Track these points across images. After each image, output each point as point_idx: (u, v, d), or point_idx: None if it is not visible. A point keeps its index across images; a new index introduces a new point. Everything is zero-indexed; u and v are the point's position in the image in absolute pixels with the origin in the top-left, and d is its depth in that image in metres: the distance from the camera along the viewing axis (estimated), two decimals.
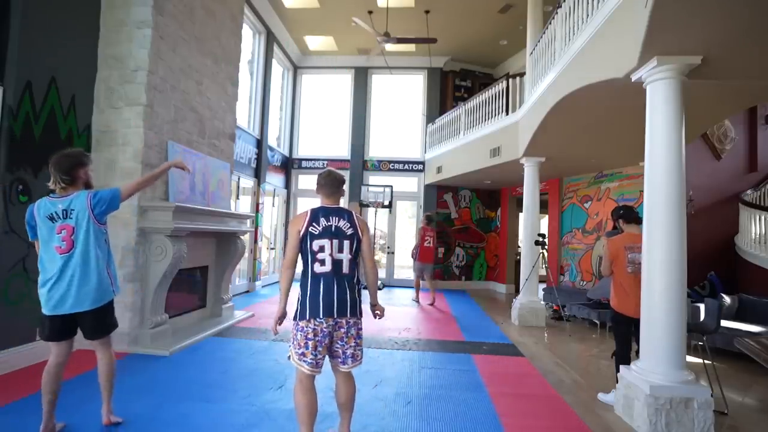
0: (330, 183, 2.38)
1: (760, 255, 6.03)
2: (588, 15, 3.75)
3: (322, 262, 2.21)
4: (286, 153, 10.32)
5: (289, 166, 10.38)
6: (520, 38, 7.88)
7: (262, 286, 8.77)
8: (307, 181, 10.50)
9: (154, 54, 4.20)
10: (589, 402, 3.30)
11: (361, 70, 10.39)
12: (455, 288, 9.97)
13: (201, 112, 5.16)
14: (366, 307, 2.37)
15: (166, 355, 3.94)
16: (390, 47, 8.20)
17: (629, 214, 3.47)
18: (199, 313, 5.36)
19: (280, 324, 2.32)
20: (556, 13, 4.72)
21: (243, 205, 7.85)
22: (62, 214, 2.30)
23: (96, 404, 2.58)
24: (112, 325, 2.51)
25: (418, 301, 7.79)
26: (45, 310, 2.31)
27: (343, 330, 2.21)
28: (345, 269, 2.23)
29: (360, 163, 10.27)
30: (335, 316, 2.16)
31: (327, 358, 2.28)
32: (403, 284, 9.98)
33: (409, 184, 10.41)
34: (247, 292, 8.10)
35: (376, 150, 10.47)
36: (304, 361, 2.18)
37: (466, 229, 10.36)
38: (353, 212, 2.37)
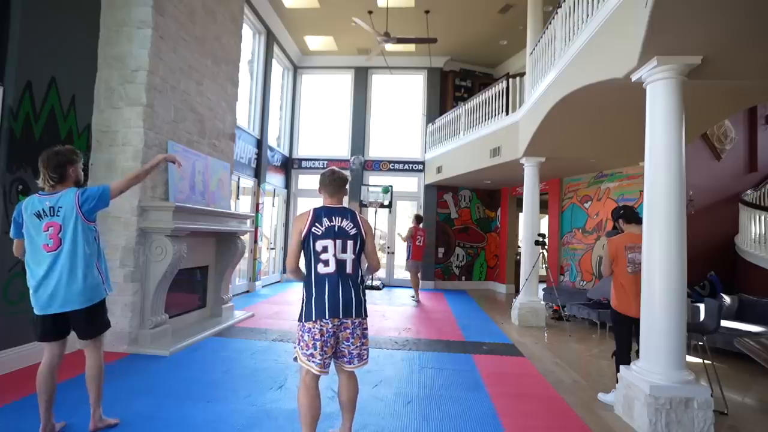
0: (333, 182, 2.36)
1: (760, 255, 6.03)
2: (588, 15, 3.75)
3: (326, 263, 2.20)
4: (286, 153, 10.32)
5: (289, 166, 10.39)
6: (520, 38, 7.88)
7: (262, 286, 8.77)
8: (307, 181, 10.50)
9: (155, 54, 4.20)
10: (589, 402, 3.30)
11: (361, 70, 10.39)
12: (455, 288, 9.97)
13: (201, 112, 5.17)
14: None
15: (166, 355, 3.94)
16: (390, 47, 8.20)
17: (630, 214, 3.47)
18: (199, 313, 5.36)
19: None
20: (556, 13, 4.72)
21: (243, 205, 7.85)
22: (49, 212, 2.27)
23: None
24: (104, 324, 2.46)
25: (418, 300, 7.82)
26: (35, 310, 2.28)
27: (348, 330, 2.20)
28: (349, 269, 2.22)
29: (360, 163, 10.27)
30: (341, 317, 2.16)
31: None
32: (403, 284, 9.97)
33: (409, 184, 10.41)
34: (247, 292, 8.10)
35: (376, 150, 10.47)
36: (312, 361, 2.17)
37: (466, 229, 10.37)
38: (356, 212, 2.36)
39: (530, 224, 6.48)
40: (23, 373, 3.29)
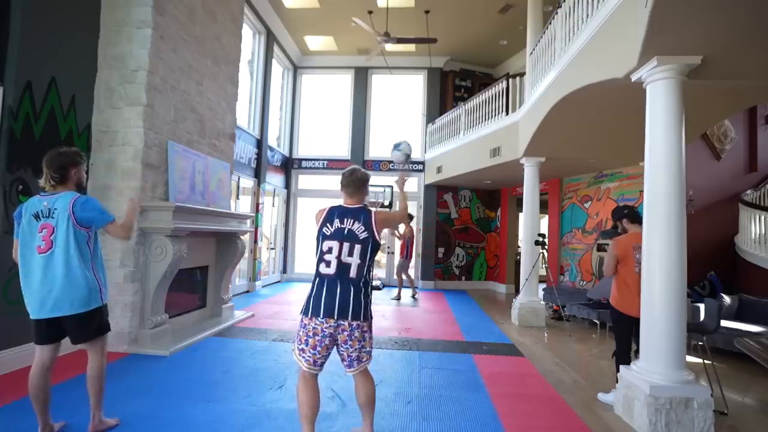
0: (352, 183, 2.33)
1: (760, 255, 6.03)
2: (588, 15, 3.75)
3: (328, 264, 2.20)
4: (286, 153, 10.31)
5: (289, 166, 10.38)
6: (520, 38, 7.88)
7: (262, 286, 8.77)
8: (307, 181, 10.50)
9: (155, 54, 4.20)
10: (589, 402, 3.30)
11: (361, 70, 10.39)
12: (455, 288, 9.97)
13: (201, 112, 5.17)
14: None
15: (166, 355, 3.94)
16: (390, 47, 8.20)
17: (634, 214, 3.47)
18: (199, 313, 5.36)
19: None
20: (556, 13, 4.73)
21: (243, 205, 7.85)
22: (46, 213, 2.25)
23: None
24: (100, 329, 2.38)
25: (399, 297, 8.04)
26: (30, 314, 2.25)
27: (346, 333, 2.18)
28: (352, 273, 2.19)
29: (360, 163, 10.26)
30: (336, 318, 2.14)
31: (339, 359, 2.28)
32: (403, 284, 9.94)
33: (409, 184, 10.36)
34: (247, 292, 8.10)
35: (376, 150, 10.47)
36: (302, 356, 2.19)
37: (466, 229, 10.37)
38: (372, 212, 2.28)
39: (530, 224, 6.48)
40: (23, 373, 3.27)
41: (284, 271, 10.17)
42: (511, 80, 6.90)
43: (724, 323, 4.23)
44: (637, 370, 2.95)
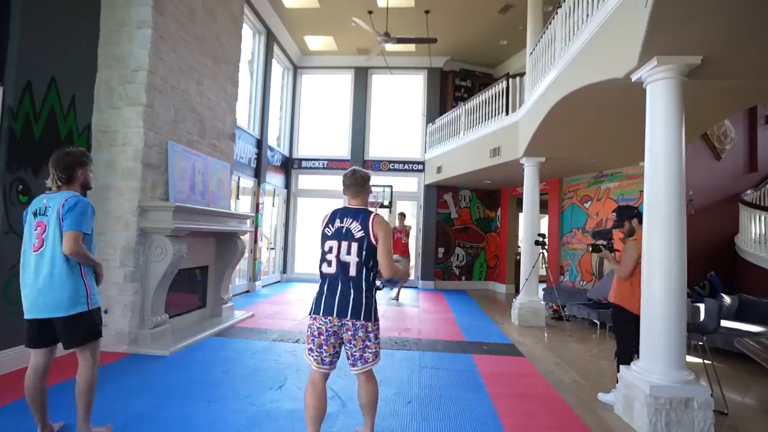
0: (353, 183, 2.35)
1: (760, 255, 6.03)
2: (588, 15, 3.75)
3: (329, 263, 2.22)
4: (286, 153, 10.31)
5: (289, 166, 10.38)
6: (520, 38, 7.88)
7: (262, 286, 8.77)
8: (307, 181, 10.50)
9: (155, 54, 4.20)
10: (589, 402, 3.31)
11: (361, 70, 10.39)
12: (455, 288, 9.97)
13: (201, 112, 5.17)
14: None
15: (165, 355, 3.94)
16: (390, 47, 8.20)
17: (642, 215, 3.46)
18: (199, 313, 5.36)
19: None
20: (556, 13, 4.73)
21: (243, 205, 7.85)
22: (42, 210, 2.24)
23: (98, 403, 2.54)
24: (87, 337, 2.27)
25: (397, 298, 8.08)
26: (24, 314, 2.23)
27: (350, 332, 2.19)
28: (352, 272, 2.19)
29: (360, 163, 10.26)
30: (337, 317, 2.15)
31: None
32: (403, 284, 9.95)
33: (409, 184, 10.41)
34: (247, 292, 8.10)
35: (376, 150, 10.47)
36: (311, 355, 2.23)
37: (466, 229, 10.37)
38: (372, 214, 2.27)
39: (530, 224, 6.48)
40: (23, 373, 3.27)
41: (284, 271, 10.17)
42: (511, 80, 6.90)
43: (724, 323, 4.23)
44: (637, 370, 2.95)
